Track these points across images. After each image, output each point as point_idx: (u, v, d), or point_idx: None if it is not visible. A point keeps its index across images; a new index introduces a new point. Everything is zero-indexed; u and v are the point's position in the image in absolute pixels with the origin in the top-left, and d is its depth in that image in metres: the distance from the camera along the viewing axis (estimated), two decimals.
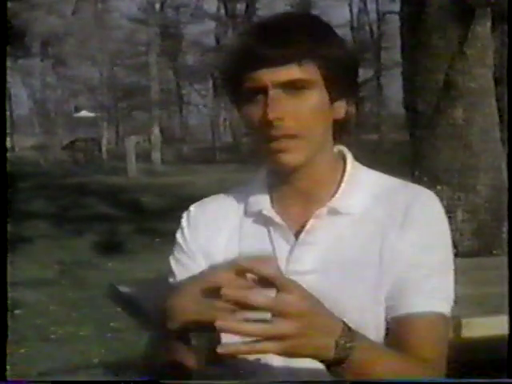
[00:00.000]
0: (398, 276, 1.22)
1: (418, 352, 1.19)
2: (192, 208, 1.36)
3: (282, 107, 1.20)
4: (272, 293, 0.99)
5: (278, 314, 0.98)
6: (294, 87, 1.21)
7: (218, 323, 0.97)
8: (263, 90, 1.21)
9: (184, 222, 1.35)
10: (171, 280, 1.32)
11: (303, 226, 1.27)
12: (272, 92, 1.20)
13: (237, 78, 1.24)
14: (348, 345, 1.04)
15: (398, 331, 1.21)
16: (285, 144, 1.21)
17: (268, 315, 0.98)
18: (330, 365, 1.06)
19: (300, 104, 1.21)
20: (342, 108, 1.27)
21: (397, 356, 1.17)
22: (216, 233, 1.32)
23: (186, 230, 1.34)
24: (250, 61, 1.21)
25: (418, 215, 1.24)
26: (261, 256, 1.05)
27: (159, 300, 1.18)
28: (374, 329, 1.22)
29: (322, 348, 1.03)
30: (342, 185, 1.28)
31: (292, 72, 1.20)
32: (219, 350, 0.97)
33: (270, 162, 1.26)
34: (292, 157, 1.22)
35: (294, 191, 1.29)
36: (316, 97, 1.22)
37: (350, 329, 1.06)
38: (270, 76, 1.20)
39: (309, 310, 1.00)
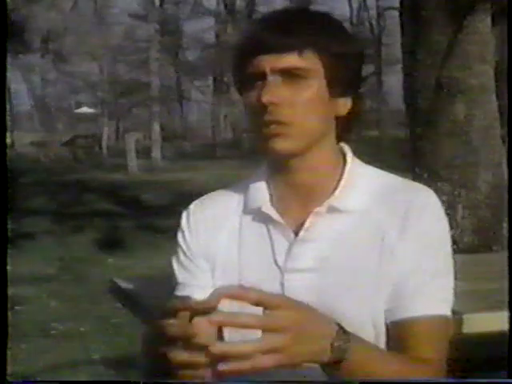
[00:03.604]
0: (398, 278, 1.22)
1: (418, 354, 1.19)
2: (191, 208, 1.36)
3: (278, 93, 1.21)
4: (258, 312, 0.97)
5: (269, 329, 0.96)
6: (292, 75, 1.21)
7: (212, 349, 0.95)
8: (263, 76, 1.21)
9: (184, 222, 1.35)
10: (174, 282, 1.32)
11: (302, 224, 1.27)
12: (270, 78, 1.21)
13: (240, 64, 1.25)
14: (343, 346, 1.04)
15: (399, 335, 1.21)
16: (276, 130, 1.22)
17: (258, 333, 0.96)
18: (325, 366, 1.05)
19: (296, 92, 1.22)
20: (346, 105, 1.27)
21: (394, 356, 1.18)
22: (216, 232, 1.32)
23: (186, 232, 1.34)
24: (252, 47, 1.22)
25: (418, 215, 1.24)
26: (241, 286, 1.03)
27: (160, 298, 1.17)
28: (372, 327, 1.22)
29: (317, 352, 1.02)
30: (342, 182, 1.28)
31: (292, 60, 1.21)
32: (221, 367, 0.95)
33: (262, 148, 1.25)
34: (282, 143, 1.22)
35: (294, 188, 1.28)
36: (314, 87, 1.22)
37: (344, 331, 1.05)
38: (269, 62, 1.21)
39: (299, 318, 0.99)
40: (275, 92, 1.21)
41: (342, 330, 1.05)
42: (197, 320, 0.99)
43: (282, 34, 1.20)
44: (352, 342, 1.05)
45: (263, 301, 0.97)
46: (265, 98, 1.20)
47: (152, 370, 1.16)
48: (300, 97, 1.22)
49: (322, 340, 1.02)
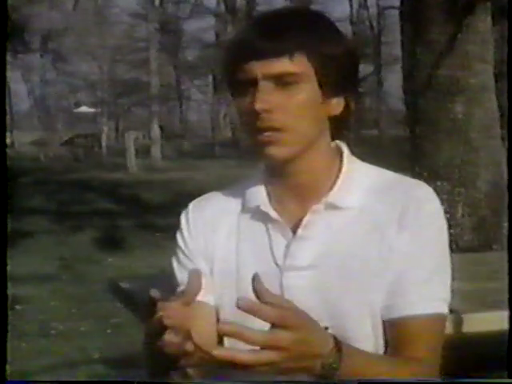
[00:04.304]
0: (395, 275, 1.22)
1: (415, 354, 1.20)
2: (190, 208, 1.36)
3: (270, 99, 1.20)
4: (265, 326, 1.00)
5: (269, 347, 0.99)
6: (284, 80, 1.21)
7: (214, 352, 0.97)
8: (254, 82, 1.21)
9: (183, 222, 1.35)
10: (175, 282, 1.33)
11: (300, 222, 1.26)
12: (262, 84, 1.20)
13: (231, 70, 1.24)
14: (334, 365, 1.05)
15: (395, 333, 1.22)
16: (271, 137, 1.21)
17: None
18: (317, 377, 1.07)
19: (289, 97, 1.21)
20: (339, 105, 1.26)
21: (390, 363, 1.18)
22: (214, 231, 1.32)
23: (185, 232, 1.34)
24: (243, 52, 1.21)
25: (416, 212, 1.24)
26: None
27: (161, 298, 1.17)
28: (370, 324, 1.22)
29: (308, 368, 1.04)
30: (339, 179, 1.28)
31: (283, 65, 1.20)
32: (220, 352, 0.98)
33: (258, 154, 1.26)
34: (278, 150, 1.22)
35: (291, 187, 1.28)
36: (306, 91, 1.22)
37: (339, 349, 1.06)
38: (260, 68, 1.20)
39: (298, 339, 1.00)
40: (268, 98, 1.20)
41: (337, 347, 1.06)
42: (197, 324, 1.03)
43: (272, 39, 1.20)
44: (344, 360, 1.06)
45: (277, 320, 0.99)
46: (257, 105, 1.20)
47: (153, 367, 1.16)
48: (293, 102, 1.21)
49: (314, 359, 1.04)
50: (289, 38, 1.20)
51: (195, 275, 1.10)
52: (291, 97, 1.21)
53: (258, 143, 1.23)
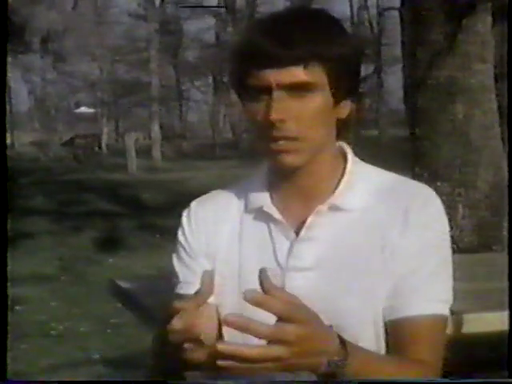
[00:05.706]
0: (397, 277, 1.22)
1: (417, 355, 1.20)
2: (192, 205, 1.36)
3: (285, 109, 1.20)
4: (271, 318, 1.00)
5: (275, 341, 0.99)
6: (298, 89, 1.20)
7: (219, 346, 0.97)
8: (267, 90, 1.20)
9: (184, 220, 1.35)
10: (174, 279, 1.32)
11: (304, 223, 1.27)
12: (276, 93, 1.20)
13: (242, 74, 1.23)
14: (340, 363, 1.05)
15: (396, 334, 1.22)
16: (285, 145, 1.21)
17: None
18: (322, 376, 1.07)
19: (303, 107, 1.21)
20: (346, 107, 1.27)
21: (393, 363, 1.18)
22: (217, 230, 1.32)
23: (186, 229, 1.34)
24: (257, 59, 1.20)
25: (418, 214, 1.24)
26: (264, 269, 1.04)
27: (160, 298, 1.17)
28: (372, 326, 1.23)
29: (314, 365, 1.04)
30: (343, 181, 1.28)
31: (297, 74, 1.19)
32: (220, 363, 0.98)
33: (270, 161, 1.27)
34: (292, 158, 1.22)
35: (295, 188, 1.29)
36: (320, 100, 1.22)
37: (344, 346, 1.06)
38: (275, 76, 1.19)
39: (305, 334, 1.00)
40: (282, 108, 1.20)
41: (342, 345, 1.06)
42: (199, 321, 1.05)
43: (286, 47, 1.18)
44: (349, 359, 1.06)
45: (283, 313, 0.99)
46: (273, 116, 1.19)
47: (162, 369, 1.17)
48: (307, 111, 1.21)
49: (320, 356, 1.04)
50: (303, 46, 1.19)
51: (208, 277, 1.10)
52: (305, 106, 1.21)
53: (271, 151, 1.23)
